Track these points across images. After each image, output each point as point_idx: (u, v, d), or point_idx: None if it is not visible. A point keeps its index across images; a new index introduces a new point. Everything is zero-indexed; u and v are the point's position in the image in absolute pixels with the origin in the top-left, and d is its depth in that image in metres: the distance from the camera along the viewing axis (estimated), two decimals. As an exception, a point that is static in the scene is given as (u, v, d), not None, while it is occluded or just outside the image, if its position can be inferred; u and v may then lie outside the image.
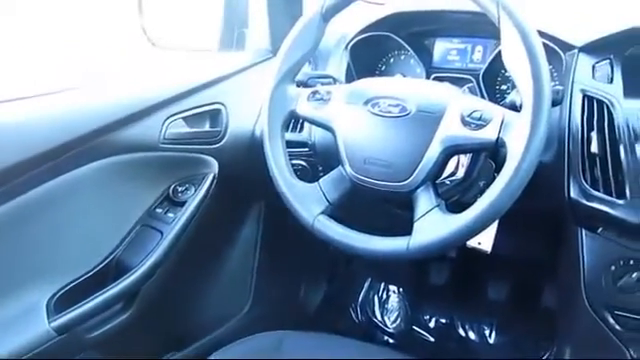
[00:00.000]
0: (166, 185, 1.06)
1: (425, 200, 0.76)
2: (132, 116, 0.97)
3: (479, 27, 0.89)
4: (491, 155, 0.85)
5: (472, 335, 1.48)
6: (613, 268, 0.85)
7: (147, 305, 1.03)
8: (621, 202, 0.80)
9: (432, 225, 0.74)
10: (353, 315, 1.59)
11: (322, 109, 0.85)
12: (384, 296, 1.60)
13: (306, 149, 1.08)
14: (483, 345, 1.46)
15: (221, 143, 1.09)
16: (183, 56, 1.23)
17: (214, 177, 1.09)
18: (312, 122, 0.90)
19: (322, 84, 0.93)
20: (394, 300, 1.59)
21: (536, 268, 1.29)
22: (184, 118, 1.05)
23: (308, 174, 1.10)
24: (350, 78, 1.07)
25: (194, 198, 1.06)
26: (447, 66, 1.10)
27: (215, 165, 1.09)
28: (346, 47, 1.10)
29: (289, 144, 0.91)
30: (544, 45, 0.73)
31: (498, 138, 0.72)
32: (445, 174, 0.83)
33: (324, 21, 0.87)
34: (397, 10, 1.09)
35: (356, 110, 0.82)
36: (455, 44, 1.10)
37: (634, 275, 0.83)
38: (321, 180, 0.84)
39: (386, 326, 1.56)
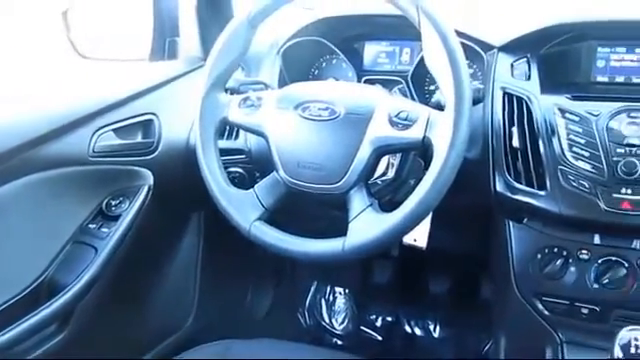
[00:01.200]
0: (99, 199, 1.03)
1: (358, 200, 0.77)
2: (58, 130, 0.93)
3: (406, 30, 0.91)
4: (420, 154, 0.88)
5: (418, 331, 1.52)
6: (539, 256, 0.89)
7: (83, 324, 1.00)
8: (542, 193, 0.84)
9: (366, 225, 0.75)
10: (301, 319, 1.60)
11: (253, 115, 0.85)
12: (331, 298, 1.61)
13: (242, 156, 1.08)
14: (429, 340, 1.50)
15: (155, 154, 1.07)
16: (114, 67, 1.20)
17: (149, 189, 1.06)
18: (244, 128, 0.90)
19: (254, 90, 0.93)
20: (341, 302, 1.60)
21: (472, 261, 1.33)
22: (115, 130, 1.02)
23: (246, 181, 1.09)
24: (283, 83, 1.07)
25: (129, 212, 1.03)
26: (377, 69, 1.12)
27: (150, 177, 1.07)
28: (278, 52, 1.11)
29: (225, 152, 0.91)
30: (466, 46, 0.76)
31: (424, 137, 0.74)
32: (377, 174, 0.85)
33: (252, 27, 0.87)
34: (326, 15, 1.11)
35: (287, 115, 0.82)
36: (384, 47, 1.12)
37: (558, 262, 0.87)
38: (256, 186, 0.84)
39: (334, 328, 1.58)
